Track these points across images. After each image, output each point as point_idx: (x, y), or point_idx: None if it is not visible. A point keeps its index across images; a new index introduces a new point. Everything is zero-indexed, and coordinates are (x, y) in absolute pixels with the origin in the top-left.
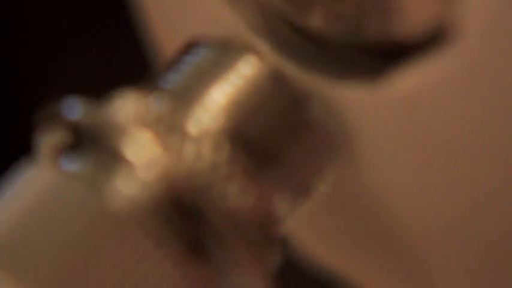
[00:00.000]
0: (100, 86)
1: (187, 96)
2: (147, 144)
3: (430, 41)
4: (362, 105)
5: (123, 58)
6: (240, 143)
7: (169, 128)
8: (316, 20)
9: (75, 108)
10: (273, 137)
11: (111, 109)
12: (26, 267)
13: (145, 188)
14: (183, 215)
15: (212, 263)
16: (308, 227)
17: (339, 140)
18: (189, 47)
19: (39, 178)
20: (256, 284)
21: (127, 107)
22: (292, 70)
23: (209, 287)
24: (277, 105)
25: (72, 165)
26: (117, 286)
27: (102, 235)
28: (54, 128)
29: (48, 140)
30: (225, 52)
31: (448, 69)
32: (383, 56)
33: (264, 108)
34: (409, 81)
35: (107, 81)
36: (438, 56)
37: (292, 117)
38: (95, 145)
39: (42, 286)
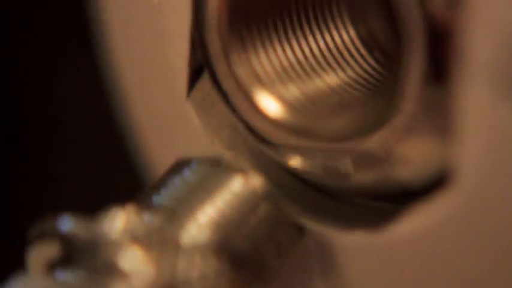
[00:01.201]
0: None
1: (178, 211)
2: (140, 257)
3: (431, 184)
4: (364, 249)
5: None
6: (228, 256)
7: (161, 241)
8: (316, 171)
9: (67, 223)
10: (260, 251)
11: (104, 223)
12: None
13: None
14: None
15: None
16: None
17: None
18: (180, 165)
19: None
20: None
21: (119, 221)
22: (295, 215)
23: None
24: (265, 222)
25: (64, 278)
26: None
27: None
28: (46, 242)
29: (40, 253)
30: (214, 170)
31: (450, 210)
32: (385, 200)
33: (251, 224)
34: (411, 224)
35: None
36: (439, 198)
37: (279, 234)
38: (88, 258)
39: None
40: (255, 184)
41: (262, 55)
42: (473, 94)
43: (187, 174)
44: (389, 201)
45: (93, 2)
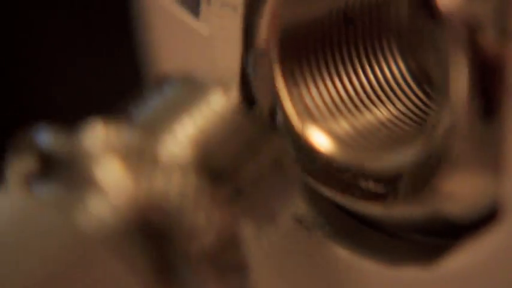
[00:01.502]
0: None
1: (157, 127)
2: (118, 170)
3: (481, 219)
4: (414, 284)
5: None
6: (208, 172)
7: (140, 156)
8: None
9: (45, 136)
10: (240, 170)
11: (82, 137)
12: None
13: (116, 212)
14: (152, 238)
15: (179, 285)
16: None
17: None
18: (160, 82)
19: (8, 204)
20: None
21: (98, 135)
22: (346, 254)
23: None
24: (245, 139)
25: (43, 191)
26: None
27: (72, 258)
28: (24, 155)
29: (18, 167)
30: (194, 88)
31: (499, 246)
32: (435, 235)
33: (231, 141)
34: (461, 260)
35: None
36: (489, 234)
37: (259, 151)
38: (65, 172)
39: None
40: (236, 102)
41: (313, 89)
42: None
43: (167, 91)
44: (439, 237)
45: (144, 40)
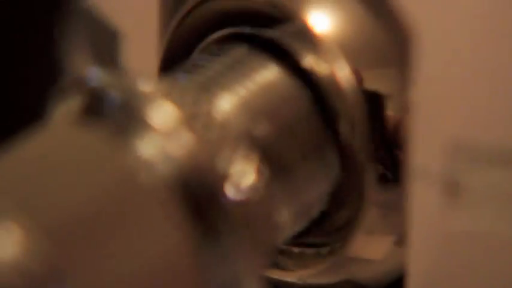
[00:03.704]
0: None
1: (212, 87)
2: (172, 114)
3: (390, 285)
4: None
5: None
6: (258, 144)
7: (195, 107)
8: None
9: (97, 76)
10: (289, 149)
11: (137, 81)
12: (43, 217)
13: (167, 157)
14: (198, 192)
15: (220, 243)
16: None
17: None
18: (220, 45)
19: (58, 138)
20: (251, 274)
21: (154, 81)
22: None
23: (215, 264)
24: (297, 118)
25: (95, 127)
26: (122, 245)
27: (117, 199)
28: (74, 95)
29: (67, 106)
30: (253, 55)
31: None
32: None
33: (282, 115)
34: None
35: None
36: None
37: (304, 132)
38: (117, 111)
39: (55, 236)
40: (293, 78)
41: None
42: (420, 195)
43: (227, 55)
44: None
45: None
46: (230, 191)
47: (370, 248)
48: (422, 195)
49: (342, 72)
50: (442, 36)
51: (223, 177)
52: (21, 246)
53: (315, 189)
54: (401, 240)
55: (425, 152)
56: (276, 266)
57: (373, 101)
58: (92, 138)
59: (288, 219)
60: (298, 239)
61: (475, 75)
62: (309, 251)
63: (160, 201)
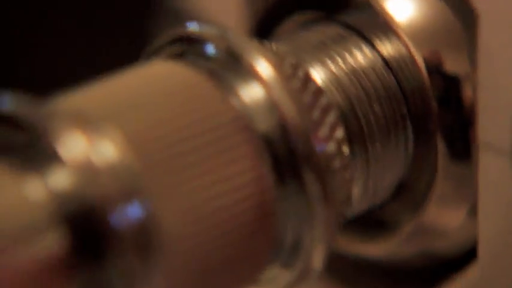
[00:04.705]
0: None
1: (308, 57)
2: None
3: (465, 257)
4: None
5: None
6: (344, 119)
7: (294, 70)
8: None
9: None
10: (370, 127)
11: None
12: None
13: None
14: (288, 139)
15: (303, 190)
16: None
17: None
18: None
19: (159, 67)
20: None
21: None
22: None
23: (294, 213)
24: (384, 103)
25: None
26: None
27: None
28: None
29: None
30: (341, 35)
31: (477, 283)
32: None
33: (372, 98)
34: None
35: None
36: (468, 272)
37: (393, 117)
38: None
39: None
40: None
41: None
42: (490, 168)
43: (318, 32)
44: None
45: None
46: (318, 143)
47: (444, 218)
48: (492, 168)
49: (419, 54)
50: (509, 16)
51: (313, 129)
52: (118, 157)
53: (392, 166)
54: (473, 211)
55: (494, 127)
56: (353, 237)
57: (450, 82)
58: (194, 73)
59: (362, 193)
60: (373, 214)
61: None
62: (385, 224)
63: (242, 130)
